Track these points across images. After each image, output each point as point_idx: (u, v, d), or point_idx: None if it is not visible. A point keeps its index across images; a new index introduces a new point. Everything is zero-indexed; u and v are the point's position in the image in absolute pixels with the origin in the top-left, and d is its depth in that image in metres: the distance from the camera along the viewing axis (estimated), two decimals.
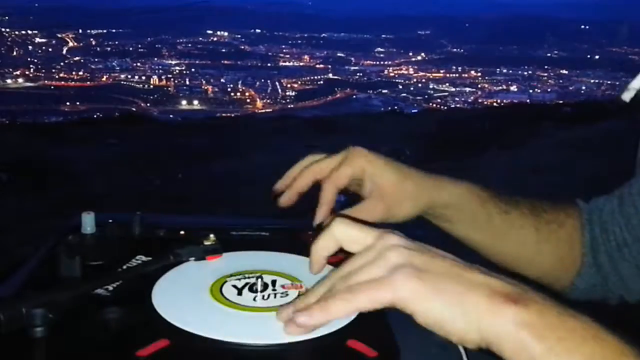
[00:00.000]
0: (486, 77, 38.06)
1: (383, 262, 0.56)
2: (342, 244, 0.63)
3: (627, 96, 0.90)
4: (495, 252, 0.93)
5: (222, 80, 37.24)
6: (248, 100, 34.76)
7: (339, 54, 43.62)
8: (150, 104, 33.06)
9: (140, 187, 5.69)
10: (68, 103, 31.82)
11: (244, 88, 36.19)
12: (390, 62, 42.78)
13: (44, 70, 36.75)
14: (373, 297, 0.55)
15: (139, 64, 38.77)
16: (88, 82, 36.00)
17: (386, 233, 0.60)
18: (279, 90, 36.11)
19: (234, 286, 0.76)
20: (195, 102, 34.38)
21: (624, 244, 0.88)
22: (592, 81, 36.15)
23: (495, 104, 26.78)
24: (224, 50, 43.78)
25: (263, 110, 32.22)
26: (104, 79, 36.80)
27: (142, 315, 0.70)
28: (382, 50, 45.28)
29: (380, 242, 0.59)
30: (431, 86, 37.11)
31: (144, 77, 36.93)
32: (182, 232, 0.95)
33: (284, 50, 44.67)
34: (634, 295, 0.90)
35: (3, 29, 41.97)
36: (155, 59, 40.27)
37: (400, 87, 37.05)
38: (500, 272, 0.56)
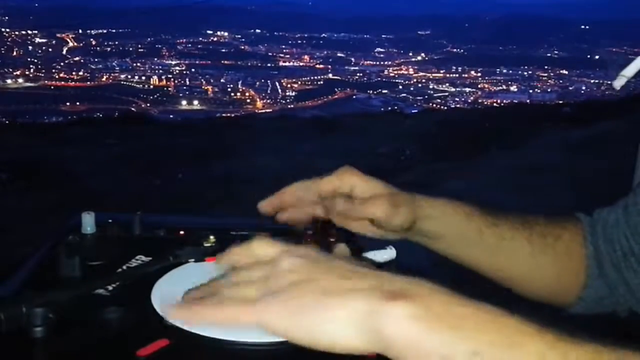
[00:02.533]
0: (486, 77, 38.03)
1: (262, 285, 0.56)
2: (255, 259, 0.61)
3: (618, 84, 0.89)
4: (489, 268, 0.91)
5: (222, 80, 37.22)
6: (248, 100, 34.75)
7: (339, 54, 43.60)
8: (150, 104, 33.04)
9: (140, 187, 5.69)
10: (68, 103, 31.81)
11: (244, 88, 36.18)
12: (390, 62, 42.76)
13: (44, 70, 36.73)
14: (237, 317, 0.55)
15: (139, 64, 38.75)
16: (88, 82, 35.98)
17: (290, 253, 0.58)
18: (279, 90, 36.09)
19: None
20: (195, 102, 34.36)
21: (631, 253, 0.86)
22: (592, 81, 36.13)
23: (495, 104, 26.78)
24: (224, 50, 43.75)
25: (263, 110, 32.20)
26: (104, 79, 36.77)
27: (141, 315, 0.70)
28: (382, 50, 45.26)
29: (278, 262, 0.58)
30: (431, 86, 37.10)
31: (144, 77, 36.91)
32: (181, 232, 0.95)
33: (284, 50, 44.65)
34: None
35: (3, 29, 41.96)
36: (155, 59, 40.25)
37: (400, 87, 37.03)
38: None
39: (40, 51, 40.27)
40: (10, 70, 35.97)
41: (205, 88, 36.27)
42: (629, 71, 0.87)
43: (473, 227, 0.88)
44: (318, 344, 0.52)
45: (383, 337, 0.50)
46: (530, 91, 34.94)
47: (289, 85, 36.90)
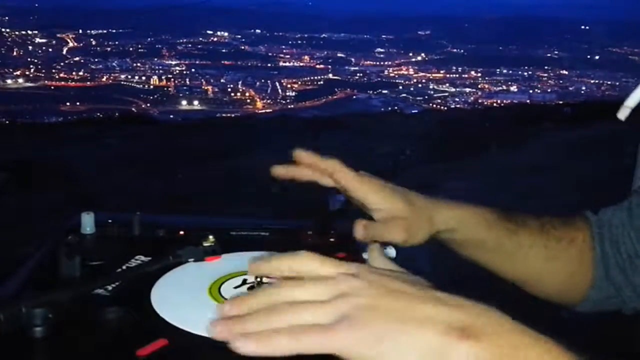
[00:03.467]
0: (486, 77, 38.02)
1: (331, 309, 0.53)
2: (302, 273, 0.58)
3: (622, 114, 0.89)
4: (505, 272, 0.93)
5: (222, 80, 37.21)
6: (248, 101, 34.74)
7: (339, 54, 43.58)
8: (150, 104, 33.04)
9: (140, 187, 5.70)
10: (68, 103, 31.80)
11: (244, 88, 36.17)
12: (390, 63, 42.74)
13: (44, 70, 36.72)
14: (318, 345, 0.52)
15: (139, 64, 38.74)
16: (88, 82, 35.97)
17: (345, 274, 0.56)
18: (279, 91, 36.08)
19: (233, 286, 0.76)
20: (195, 102, 34.35)
21: (636, 256, 0.87)
22: (592, 81, 36.13)
23: (495, 104, 26.78)
24: (224, 50, 43.74)
25: (263, 111, 32.20)
26: (104, 79, 36.77)
27: (141, 315, 0.70)
28: (382, 50, 45.24)
29: (337, 282, 0.55)
30: (431, 86, 37.09)
31: (144, 77, 36.90)
32: (181, 232, 0.95)
33: (284, 50, 44.64)
34: None
35: (3, 29, 41.96)
36: (155, 59, 40.23)
37: (401, 87, 37.02)
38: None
39: (40, 51, 40.27)
40: (10, 70, 35.97)
41: (205, 88, 36.27)
42: (632, 101, 0.88)
43: (493, 237, 0.89)
44: None
45: None
46: (530, 91, 34.93)
47: (289, 86, 36.89)
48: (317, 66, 41.52)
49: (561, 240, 0.91)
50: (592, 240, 0.91)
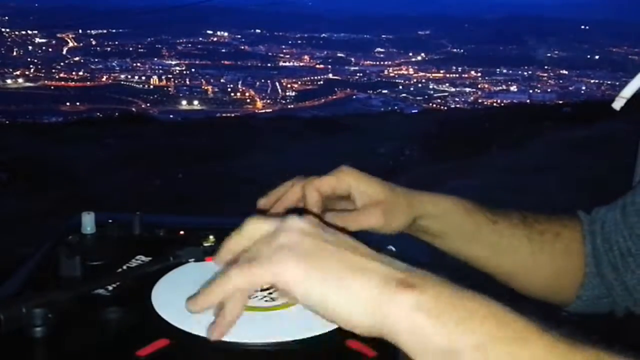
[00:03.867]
0: (486, 77, 38.00)
1: (271, 241, 0.55)
2: (254, 239, 0.60)
3: (617, 105, 0.89)
4: (488, 265, 0.91)
5: (222, 80, 37.19)
6: (248, 100, 34.73)
7: (339, 54, 43.56)
8: (150, 104, 33.02)
9: (140, 187, 5.70)
10: (68, 103, 31.78)
11: (244, 88, 36.16)
12: (390, 62, 42.72)
13: (44, 70, 36.70)
14: (250, 277, 0.54)
15: (139, 64, 38.72)
16: (88, 82, 35.95)
17: (291, 217, 0.58)
18: (279, 91, 36.07)
19: None
20: (195, 102, 34.34)
21: (629, 254, 0.86)
22: (592, 81, 36.11)
23: (495, 104, 26.78)
24: (224, 50, 43.72)
25: (263, 111, 32.19)
26: (104, 79, 36.75)
27: (141, 315, 0.70)
28: (382, 50, 45.23)
29: (280, 225, 0.57)
30: (431, 86, 37.06)
31: (144, 77, 36.88)
32: (181, 232, 0.95)
33: (284, 50, 44.62)
34: None
35: (3, 29, 41.95)
36: (155, 59, 40.21)
37: (400, 87, 37.00)
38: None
39: (40, 51, 40.25)
40: (10, 70, 35.94)
41: (205, 88, 36.25)
42: (627, 92, 0.88)
43: (473, 225, 0.89)
44: (327, 312, 0.52)
45: (388, 323, 0.50)
46: (530, 91, 34.91)
47: (289, 86, 36.87)
48: (317, 66, 41.50)
49: (544, 233, 0.91)
50: (583, 238, 0.91)
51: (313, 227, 0.56)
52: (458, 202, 0.90)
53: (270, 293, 0.74)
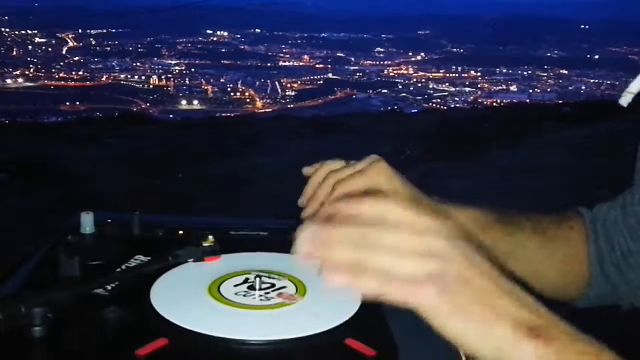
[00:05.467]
0: (486, 77, 38.01)
1: (421, 263, 0.52)
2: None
3: (624, 101, 0.89)
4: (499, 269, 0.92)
5: (222, 80, 37.20)
6: (248, 100, 34.73)
7: (339, 54, 43.56)
8: (150, 104, 33.02)
9: (140, 187, 5.69)
10: (68, 103, 31.78)
11: (244, 88, 36.16)
12: (390, 62, 42.74)
13: (44, 70, 36.70)
14: (401, 298, 0.51)
15: (139, 64, 38.73)
16: (88, 82, 35.96)
17: (434, 230, 0.53)
18: (279, 90, 36.07)
19: (233, 285, 0.76)
20: (195, 102, 34.34)
21: (630, 254, 0.87)
22: (592, 81, 36.12)
23: (495, 104, 26.75)
24: (224, 50, 43.73)
25: (263, 110, 32.19)
26: (104, 79, 36.76)
27: (141, 314, 0.70)
28: (382, 50, 45.23)
29: (427, 239, 0.53)
30: (431, 86, 37.07)
31: (144, 77, 36.89)
32: (181, 232, 0.95)
33: (284, 50, 44.62)
34: None
35: (3, 29, 41.94)
36: (155, 59, 40.22)
37: (400, 87, 37.01)
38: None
39: (40, 51, 40.26)
40: (10, 70, 35.95)
41: (205, 88, 36.26)
42: (634, 87, 0.88)
43: (490, 240, 0.89)
44: (456, 341, 0.52)
45: None
46: (530, 91, 34.93)
47: (289, 85, 36.88)
48: (317, 66, 41.50)
49: (556, 239, 0.92)
50: (587, 238, 0.92)
51: (458, 245, 0.53)
52: (475, 215, 0.90)
53: (267, 293, 0.74)
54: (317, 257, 0.52)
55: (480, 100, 32.22)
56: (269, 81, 36.79)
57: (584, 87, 35.32)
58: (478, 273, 0.53)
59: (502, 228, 0.90)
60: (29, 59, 38.32)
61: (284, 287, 0.76)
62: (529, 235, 0.91)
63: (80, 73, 36.88)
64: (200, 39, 44.98)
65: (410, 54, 43.69)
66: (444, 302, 0.51)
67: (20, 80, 35.17)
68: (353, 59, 42.51)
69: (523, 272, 0.92)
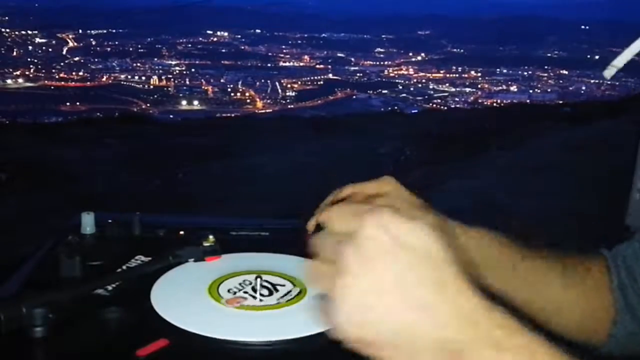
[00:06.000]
0: (486, 77, 38.04)
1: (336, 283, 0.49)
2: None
3: (608, 74, 0.89)
4: (521, 300, 0.90)
5: (222, 80, 37.22)
6: (248, 101, 34.74)
7: (339, 54, 43.59)
8: (150, 104, 33.03)
9: (140, 187, 5.69)
10: (68, 103, 31.79)
11: (244, 88, 36.18)
12: (390, 62, 42.76)
13: (44, 70, 36.72)
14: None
15: (139, 64, 38.74)
16: (88, 82, 35.98)
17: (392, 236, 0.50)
18: (279, 91, 36.09)
19: (232, 286, 0.76)
20: (195, 102, 34.35)
21: None
22: (592, 81, 36.12)
23: (495, 104, 26.77)
24: (224, 50, 43.75)
25: (263, 111, 32.21)
26: (104, 79, 36.77)
27: (141, 315, 0.70)
28: (382, 50, 45.25)
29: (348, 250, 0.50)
30: (431, 86, 37.09)
31: (144, 77, 36.91)
32: (181, 232, 0.95)
33: (284, 50, 44.64)
34: None
35: (3, 29, 41.95)
36: (155, 59, 40.24)
37: (400, 87, 37.04)
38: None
39: (40, 51, 40.27)
40: (10, 70, 35.97)
41: (205, 88, 36.27)
42: (619, 61, 0.88)
43: (507, 259, 0.88)
44: None
45: None
46: (530, 91, 34.95)
47: (289, 86, 36.90)
48: (317, 66, 41.52)
49: (577, 267, 0.90)
50: (609, 273, 0.90)
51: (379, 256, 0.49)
52: (493, 235, 0.89)
53: (267, 293, 0.74)
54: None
55: (480, 101, 32.23)
56: (269, 81, 36.80)
57: (584, 87, 35.34)
58: (400, 277, 0.49)
59: (520, 250, 0.89)
60: (29, 59, 38.34)
61: (284, 287, 0.76)
62: (547, 259, 0.89)
63: (80, 73, 36.89)
64: (200, 39, 45.00)
65: (410, 54, 43.71)
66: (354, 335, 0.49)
67: (20, 80, 35.18)
68: (353, 59, 42.54)
69: (543, 302, 0.90)
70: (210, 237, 0.85)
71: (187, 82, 37.04)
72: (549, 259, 0.90)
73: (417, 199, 0.88)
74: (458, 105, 29.05)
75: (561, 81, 37.42)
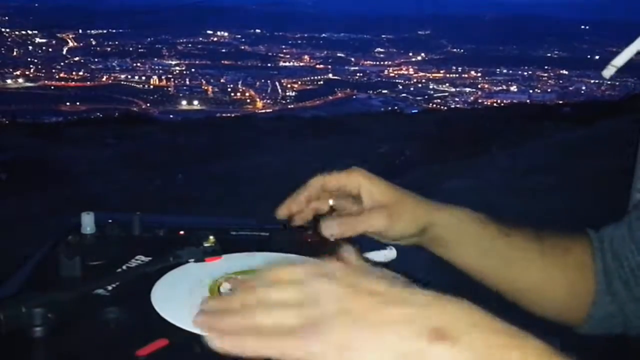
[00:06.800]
0: (486, 77, 38.01)
1: (299, 313, 0.52)
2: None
3: (607, 73, 0.89)
4: (500, 279, 0.90)
5: (222, 80, 37.20)
6: (248, 100, 34.73)
7: (339, 54, 43.56)
8: (150, 104, 33.02)
9: (140, 187, 5.70)
10: (68, 103, 31.78)
11: (244, 88, 36.16)
12: (390, 62, 42.73)
13: (44, 70, 36.70)
14: (284, 349, 0.51)
15: (139, 64, 38.72)
16: (88, 82, 35.96)
17: (316, 274, 0.54)
18: (279, 90, 36.07)
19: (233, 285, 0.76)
20: (195, 102, 34.34)
21: (638, 268, 0.86)
22: (592, 81, 36.10)
23: (495, 104, 26.78)
24: (224, 50, 43.73)
25: (263, 111, 32.20)
26: (104, 79, 36.75)
27: (141, 315, 0.70)
28: (382, 50, 45.23)
29: (306, 285, 0.53)
30: (431, 86, 37.08)
31: (144, 77, 36.88)
32: (181, 233, 0.95)
33: (284, 50, 44.62)
34: None
35: (3, 29, 41.94)
36: (155, 59, 40.21)
37: (400, 87, 37.01)
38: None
39: (40, 51, 40.23)
40: (10, 70, 35.94)
41: (205, 88, 36.26)
42: (618, 61, 0.88)
43: (487, 236, 0.88)
44: None
45: None
46: (530, 91, 34.93)
47: (289, 86, 36.88)
48: (317, 66, 41.50)
49: (555, 247, 0.89)
50: (593, 254, 0.90)
51: (340, 287, 0.52)
52: (472, 213, 0.89)
53: None
54: (207, 327, 0.54)
55: (480, 101, 32.22)
56: (269, 81, 36.79)
57: (584, 87, 35.32)
58: (357, 295, 0.51)
59: (500, 227, 0.89)
60: (29, 59, 38.31)
61: None
62: (528, 239, 0.89)
63: (80, 73, 36.87)
64: (200, 39, 44.97)
65: (410, 54, 43.69)
66: (323, 344, 0.49)
67: (20, 80, 35.16)
68: (353, 59, 42.52)
69: (523, 282, 0.90)
70: (211, 237, 0.85)
71: (187, 82, 37.01)
72: (529, 238, 0.89)
73: (387, 184, 0.87)
74: (458, 105, 29.06)
75: (561, 81, 37.40)
